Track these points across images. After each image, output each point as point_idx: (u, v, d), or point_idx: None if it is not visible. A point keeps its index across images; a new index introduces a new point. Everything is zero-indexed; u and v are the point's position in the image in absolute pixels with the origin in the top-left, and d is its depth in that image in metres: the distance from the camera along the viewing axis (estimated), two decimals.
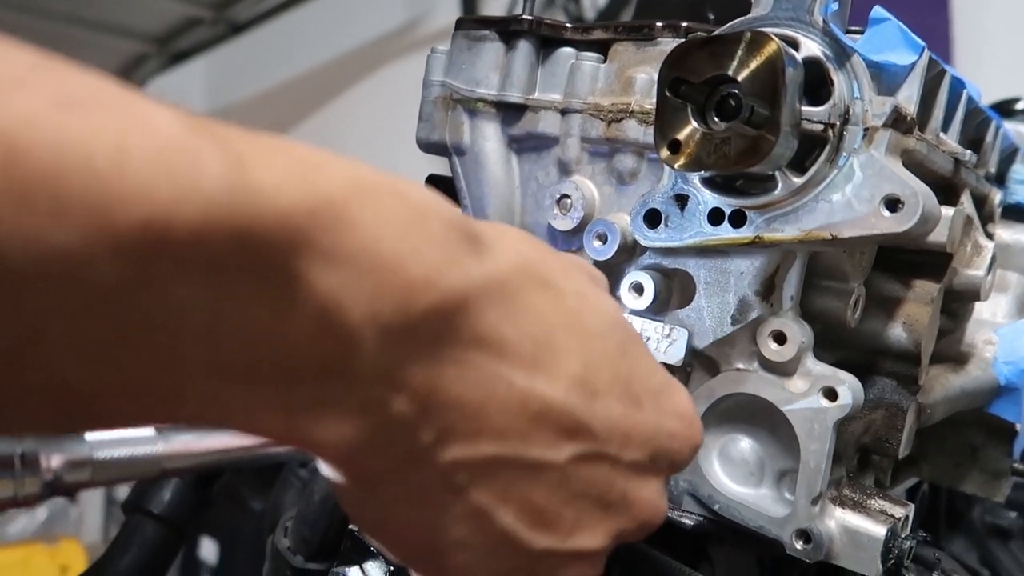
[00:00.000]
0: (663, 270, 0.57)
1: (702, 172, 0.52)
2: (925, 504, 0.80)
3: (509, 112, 0.63)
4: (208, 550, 1.84)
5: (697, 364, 0.58)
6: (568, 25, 0.62)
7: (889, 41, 0.50)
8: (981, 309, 0.73)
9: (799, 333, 0.53)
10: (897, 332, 0.58)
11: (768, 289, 0.54)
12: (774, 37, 0.47)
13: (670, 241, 0.54)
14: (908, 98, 0.51)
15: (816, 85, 0.49)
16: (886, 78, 0.51)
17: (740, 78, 0.47)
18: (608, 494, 0.37)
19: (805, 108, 0.49)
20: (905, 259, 0.60)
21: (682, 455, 0.40)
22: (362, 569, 0.60)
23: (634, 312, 0.57)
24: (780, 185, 0.50)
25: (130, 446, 0.36)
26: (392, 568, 0.59)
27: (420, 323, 0.29)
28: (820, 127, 0.49)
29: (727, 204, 0.52)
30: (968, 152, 0.61)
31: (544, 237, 0.62)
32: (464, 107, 0.64)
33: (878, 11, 0.51)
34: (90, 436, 0.35)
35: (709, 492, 0.56)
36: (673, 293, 0.57)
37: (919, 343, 0.58)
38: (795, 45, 0.49)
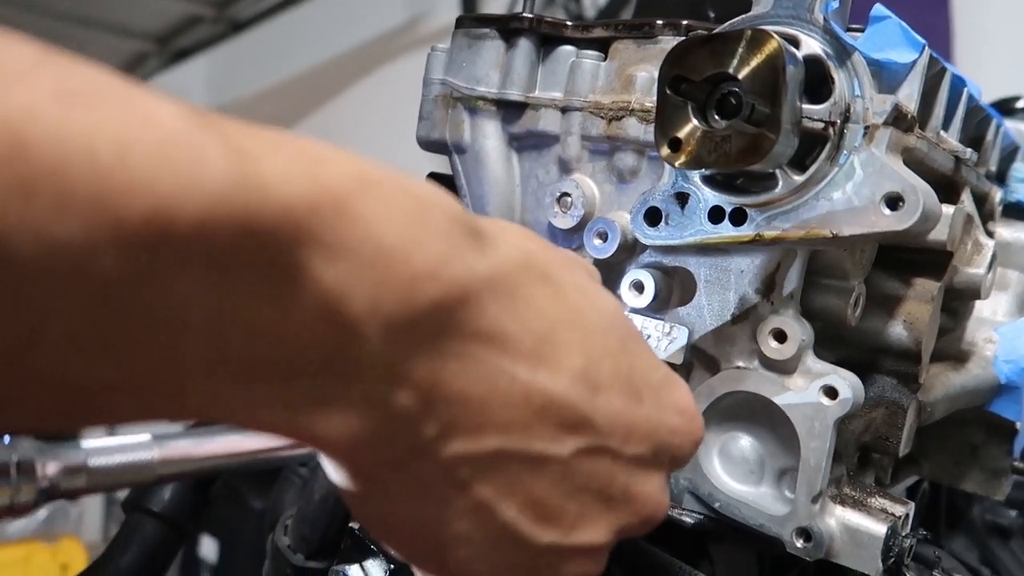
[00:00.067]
0: (663, 268, 0.57)
1: (702, 170, 0.52)
2: (925, 502, 0.80)
3: (509, 110, 0.63)
4: (208, 549, 1.84)
5: (697, 362, 0.58)
6: (568, 23, 0.62)
7: (890, 39, 0.50)
8: (981, 307, 0.73)
9: (799, 331, 0.53)
10: (897, 330, 0.58)
11: (768, 287, 0.54)
12: (775, 35, 0.47)
13: (670, 239, 0.54)
14: (909, 96, 0.51)
15: (817, 83, 0.49)
16: (887, 76, 0.51)
17: (741, 76, 0.47)
18: (610, 488, 0.37)
19: (806, 106, 0.48)
20: (905, 257, 0.60)
21: (683, 450, 0.40)
22: (362, 567, 0.60)
23: (634, 310, 0.57)
24: (781, 183, 0.50)
25: (126, 452, 0.36)
26: (392, 566, 0.59)
27: (423, 316, 0.29)
28: (821, 125, 0.49)
29: (727, 202, 0.52)
30: (969, 150, 0.61)
31: (544, 235, 0.62)
32: (464, 105, 0.64)
33: (879, 9, 0.51)
34: (85, 443, 0.35)
35: (709, 490, 0.56)
36: (673, 291, 0.57)
37: (919, 341, 0.58)
38: (796, 43, 0.49)
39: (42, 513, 2.64)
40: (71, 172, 0.22)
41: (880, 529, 0.53)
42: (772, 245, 0.52)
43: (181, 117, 0.25)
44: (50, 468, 0.33)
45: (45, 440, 0.34)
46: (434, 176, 0.70)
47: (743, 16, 0.52)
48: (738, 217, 0.52)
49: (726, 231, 0.53)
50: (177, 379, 0.26)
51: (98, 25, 4.11)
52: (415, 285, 0.29)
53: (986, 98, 0.69)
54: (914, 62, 0.51)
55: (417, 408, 0.31)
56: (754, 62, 0.47)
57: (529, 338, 0.33)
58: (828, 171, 0.50)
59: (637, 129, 0.58)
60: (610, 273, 0.59)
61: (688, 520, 0.57)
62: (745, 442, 0.56)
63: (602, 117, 0.59)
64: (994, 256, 0.66)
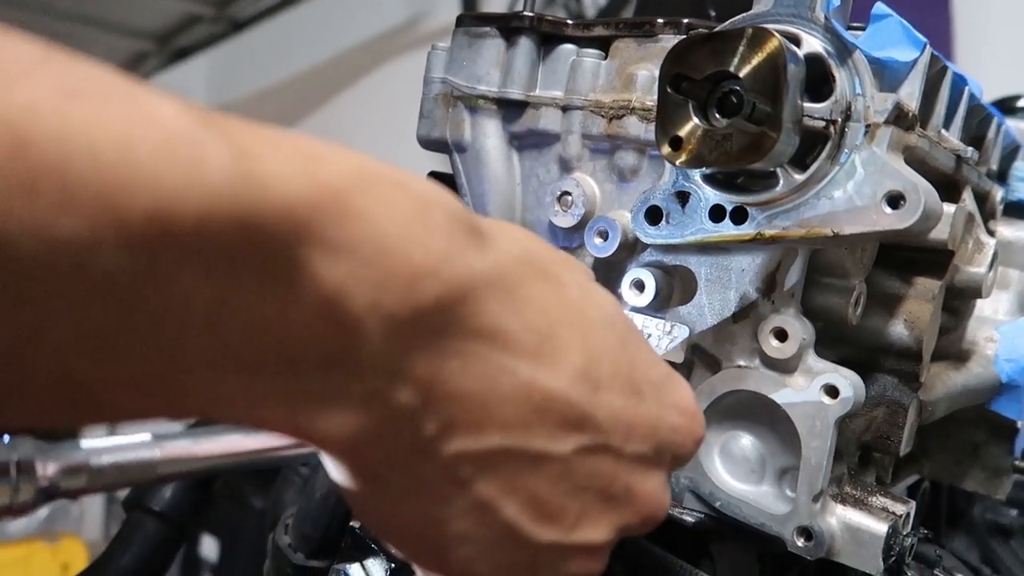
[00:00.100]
0: (664, 267, 0.57)
1: (703, 169, 0.52)
2: (926, 502, 0.80)
3: (510, 109, 0.63)
4: (209, 548, 1.84)
5: (698, 361, 0.58)
6: (569, 22, 0.62)
7: (891, 37, 0.50)
8: (982, 306, 0.73)
9: (800, 330, 0.53)
10: (898, 329, 0.58)
11: (769, 286, 0.54)
12: (776, 33, 0.46)
13: (671, 238, 0.54)
14: (910, 94, 0.51)
15: (818, 82, 0.49)
16: (888, 74, 0.51)
17: (742, 74, 0.47)
18: (611, 487, 0.37)
19: (807, 105, 0.48)
20: (906, 256, 0.60)
21: (685, 449, 0.40)
22: (363, 566, 0.60)
23: (635, 309, 0.57)
24: (781, 182, 0.50)
25: (126, 452, 0.36)
26: (393, 565, 0.59)
27: (423, 314, 0.29)
28: (822, 124, 0.49)
29: (728, 201, 0.52)
30: (970, 149, 0.61)
31: (545, 234, 0.62)
32: (465, 104, 0.64)
33: (880, 7, 0.51)
34: (86, 442, 0.35)
35: (710, 489, 0.56)
36: (674, 290, 0.57)
37: (920, 340, 0.58)
38: (797, 41, 0.49)
39: (43, 512, 2.64)
40: (73, 170, 0.22)
41: (881, 528, 0.53)
42: (773, 244, 0.52)
43: (183, 115, 0.25)
44: (50, 468, 0.33)
45: (45, 440, 0.34)
46: (435, 175, 0.70)
47: (744, 14, 0.52)
48: (739, 216, 0.52)
49: (727, 230, 0.53)
50: (178, 376, 0.26)
51: (98, 24, 4.11)
52: (415, 283, 0.29)
53: (986, 97, 0.69)
54: (915, 60, 0.50)
55: (417, 405, 0.31)
56: (755, 60, 0.47)
57: (530, 336, 0.33)
58: (829, 170, 0.50)
59: (638, 128, 0.58)
60: (610, 272, 0.59)
61: (689, 519, 0.57)
62: (746, 441, 0.56)
63: (603, 116, 0.59)
64: (995, 255, 0.66)
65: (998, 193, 0.73)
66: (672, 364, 0.55)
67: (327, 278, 0.27)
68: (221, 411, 0.28)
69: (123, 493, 0.76)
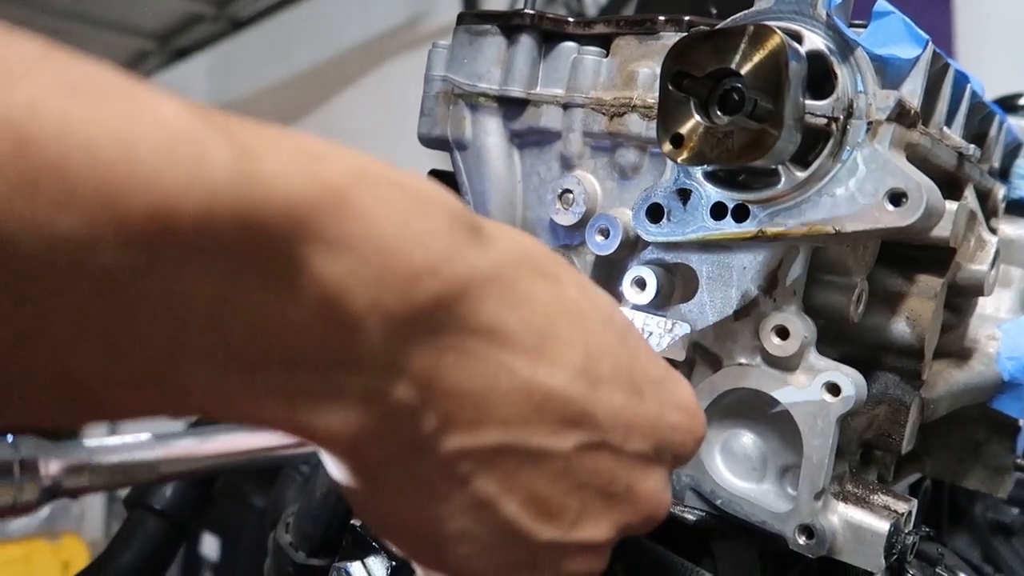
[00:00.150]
0: (665, 265, 0.57)
1: (705, 166, 0.52)
2: (927, 500, 0.80)
3: (511, 107, 0.63)
4: (210, 546, 1.84)
5: (700, 359, 0.58)
6: (570, 19, 0.62)
7: (893, 34, 0.50)
8: (984, 304, 0.73)
9: (802, 328, 0.53)
10: (900, 327, 0.58)
11: (771, 284, 0.54)
12: (777, 30, 0.46)
13: (672, 236, 0.54)
14: (912, 92, 0.51)
15: (819, 79, 0.49)
16: (890, 72, 0.51)
17: (743, 72, 0.47)
18: (612, 485, 0.37)
19: (808, 102, 0.48)
20: (908, 254, 0.60)
21: (686, 447, 0.40)
22: (364, 564, 0.60)
23: (636, 307, 0.57)
24: (783, 179, 0.50)
25: (128, 451, 0.36)
26: (394, 563, 0.59)
27: (422, 312, 0.29)
28: (823, 121, 0.48)
29: (730, 198, 0.52)
30: (972, 146, 0.61)
31: (546, 232, 0.62)
32: (466, 102, 0.64)
33: (882, 4, 0.51)
34: (88, 441, 0.35)
35: (711, 487, 0.56)
36: (675, 288, 0.57)
37: (922, 338, 0.58)
38: (798, 39, 0.49)
39: (44, 511, 2.64)
40: (74, 167, 0.22)
41: (883, 526, 0.53)
42: (775, 241, 0.52)
43: (184, 113, 0.25)
44: (53, 467, 0.33)
45: (48, 439, 0.34)
46: (435, 173, 0.69)
47: (745, 12, 0.52)
48: (740, 213, 0.52)
49: (728, 227, 0.52)
50: (178, 374, 0.26)
51: (99, 23, 4.11)
52: (415, 280, 0.29)
53: (987, 96, 0.69)
54: (917, 58, 0.50)
55: (416, 402, 0.31)
56: (757, 58, 0.46)
57: (529, 333, 0.33)
58: (831, 167, 0.49)
59: (639, 125, 0.58)
60: (611, 270, 0.59)
61: (690, 517, 0.57)
62: (747, 439, 0.56)
63: (604, 113, 0.59)
64: (997, 253, 0.66)
65: (1000, 191, 0.73)
66: (673, 362, 0.55)
67: (327, 276, 0.27)
68: (222, 409, 0.28)
69: (124, 492, 0.76)
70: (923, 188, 0.47)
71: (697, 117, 0.49)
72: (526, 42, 0.62)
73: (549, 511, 0.35)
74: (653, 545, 0.55)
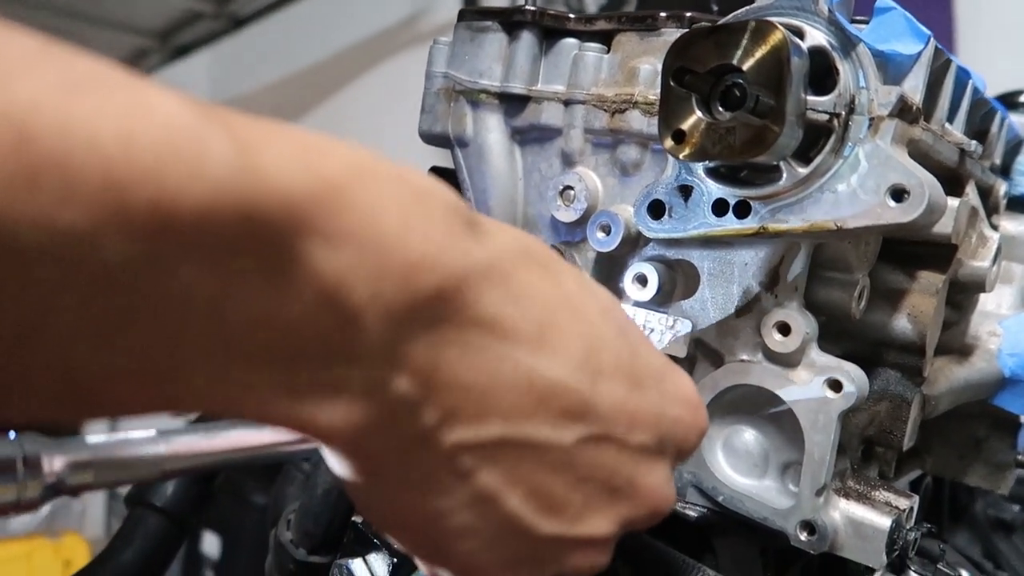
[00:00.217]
0: (667, 261, 0.57)
1: (706, 162, 0.52)
2: (928, 497, 0.80)
3: (512, 103, 0.63)
4: (211, 544, 1.84)
5: (701, 355, 0.58)
6: (571, 16, 0.62)
7: (895, 30, 0.50)
8: (986, 301, 0.73)
9: (803, 324, 0.53)
10: (902, 323, 0.58)
11: (772, 280, 0.54)
12: (779, 26, 0.46)
13: (674, 232, 0.54)
14: (914, 88, 0.51)
15: (821, 75, 0.49)
16: (892, 67, 0.50)
17: (745, 67, 0.47)
18: (615, 478, 0.37)
19: (810, 98, 0.48)
20: (910, 250, 0.60)
21: (688, 441, 0.40)
22: (365, 561, 0.60)
23: (638, 303, 0.57)
24: (785, 175, 0.50)
25: (131, 447, 0.36)
26: (395, 560, 0.59)
27: (422, 304, 0.29)
28: (825, 117, 0.48)
29: (731, 195, 0.52)
30: (973, 143, 0.61)
31: (547, 229, 0.62)
32: (467, 98, 0.64)
33: (883, 0, 0.51)
34: (91, 438, 0.35)
35: (713, 484, 0.56)
36: (677, 284, 0.57)
37: (924, 334, 0.57)
38: (800, 34, 0.49)
39: (45, 509, 2.64)
40: (75, 161, 0.22)
41: (884, 522, 0.53)
42: (776, 238, 0.52)
43: (184, 108, 0.25)
44: (56, 464, 0.33)
45: (50, 436, 0.34)
46: (436, 170, 0.69)
47: (747, 8, 0.52)
48: (742, 210, 0.52)
49: (730, 224, 0.52)
50: (180, 368, 0.26)
51: (99, 21, 4.11)
52: (414, 273, 0.29)
53: (988, 93, 0.68)
54: (919, 53, 0.50)
55: (417, 395, 0.31)
56: (758, 53, 0.46)
57: (529, 325, 0.33)
58: (833, 163, 0.49)
59: (640, 122, 0.58)
60: (613, 267, 0.59)
61: (692, 513, 0.57)
62: (749, 435, 0.56)
63: (605, 110, 0.59)
64: (999, 249, 0.65)
65: (1001, 187, 0.73)
66: (674, 359, 0.55)
67: (327, 270, 0.27)
68: (224, 405, 0.28)
69: (125, 489, 0.76)
70: (925, 184, 0.47)
71: (699, 113, 0.49)
72: (527, 38, 0.62)
73: (552, 505, 0.35)
74: (654, 541, 0.55)
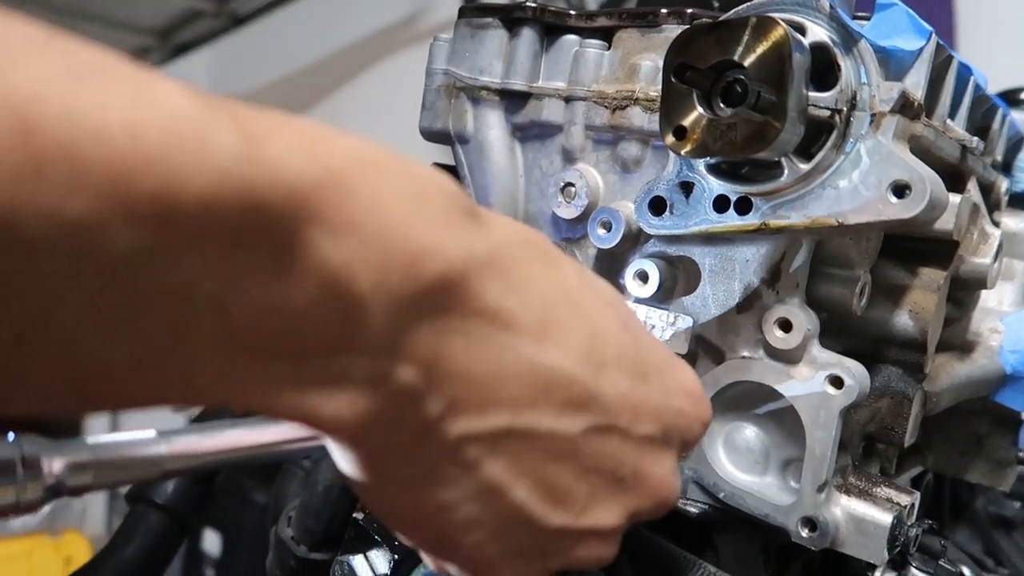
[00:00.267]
0: (668, 258, 0.56)
1: (708, 159, 0.52)
2: (929, 494, 0.80)
3: (513, 100, 0.63)
4: (211, 542, 1.84)
5: (702, 352, 0.58)
6: (572, 12, 0.62)
7: (896, 26, 0.50)
8: (987, 297, 0.73)
9: (805, 320, 0.53)
10: (903, 320, 0.58)
11: (774, 276, 0.54)
12: (781, 22, 0.46)
13: (675, 229, 0.54)
14: (915, 84, 0.51)
15: (823, 71, 0.49)
16: (893, 63, 0.50)
17: (746, 63, 0.47)
18: (620, 469, 0.37)
19: (812, 94, 0.48)
20: (911, 247, 0.60)
21: (692, 432, 0.40)
22: (367, 558, 0.60)
23: (639, 300, 0.56)
24: (786, 172, 0.50)
25: (131, 448, 0.35)
26: (396, 556, 0.59)
27: (426, 293, 0.30)
28: (827, 113, 0.48)
29: (732, 191, 0.52)
30: (975, 139, 0.61)
31: (547, 225, 0.62)
32: (467, 95, 0.64)
33: None
34: (91, 439, 0.34)
35: (714, 480, 0.56)
36: (678, 281, 0.57)
37: (925, 331, 0.57)
38: (802, 30, 0.49)
39: (45, 507, 2.64)
40: (81, 150, 0.22)
41: (886, 518, 0.53)
42: (777, 234, 0.52)
43: (188, 98, 0.25)
44: (56, 465, 0.32)
45: (50, 437, 0.33)
46: (437, 167, 0.69)
47: (748, 3, 0.52)
48: (743, 206, 0.52)
49: (731, 220, 0.52)
50: (186, 358, 0.26)
51: (99, 19, 4.11)
52: (418, 263, 0.29)
53: (989, 90, 0.68)
54: (921, 49, 0.50)
55: (420, 385, 0.31)
56: (760, 49, 0.46)
57: (532, 315, 0.33)
58: (834, 159, 0.49)
59: (641, 118, 0.58)
60: (613, 263, 0.59)
61: (693, 510, 0.57)
62: (750, 432, 0.56)
63: (606, 106, 0.59)
64: (1000, 246, 0.65)
65: (1003, 184, 0.73)
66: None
67: (331, 259, 0.27)
68: (229, 397, 0.28)
69: (126, 488, 0.76)
70: (927, 180, 0.47)
71: (700, 109, 0.49)
72: (528, 35, 0.62)
73: (558, 496, 0.35)
74: (656, 538, 0.55)
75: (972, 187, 0.63)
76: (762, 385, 0.54)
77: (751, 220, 0.52)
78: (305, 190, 0.26)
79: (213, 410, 0.77)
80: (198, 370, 0.27)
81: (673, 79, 0.49)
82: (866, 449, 0.60)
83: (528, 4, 0.62)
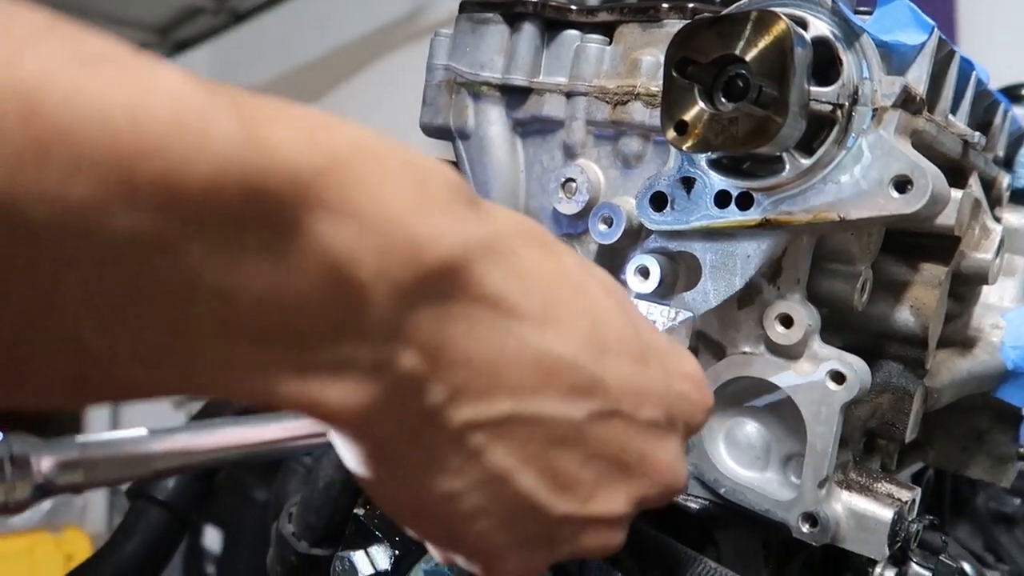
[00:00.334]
0: (669, 253, 0.56)
1: (709, 154, 0.52)
2: (930, 490, 0.80)
3: (514, 95, 0.63)
4: (212, 539, 1.84)
5: (703, 348, 0.57)
6: (573, 7, 0.62)
7: (898, 21, 0.50)
8: (988, 293, 0.73)
9: (806, 316, 0.53)
10: (904, 315, 0.58)
11: (775, 272, 0.54)
12: (782, 16, 0.46)
13: (676, 224, 0.54)
14: (917, 78, 0.50)
15: (825, 65, 0.49)
16: (895, 58, 0.50)
17: (748, 58, 0.46)
18: (626, 454, 0.37)
19: (813, 88, 0.48)
20: (913, 242, 0.60)
21: (695, 417, 0.40)
22: (367, 553, 0.60)
23: (640, 295, 0.56)
24: (788, 167, 0.50)
25: (122, 446, 0.35)
26: (397, 552, 0.59)
27: (428, 279, 0.30)
28: (829, 108, 0.48)
29: (734, 186, 0.52)
30: (977, 134, 0.61)
31: (548, 221, 0.62)
32: (468, 91, 0.64)
33: None
34: (81, 437, 0.34)
35: (715, 476, 0.56)
36: (679, 276, 0.57)
37: (926, 326, 0.57)
38: (804, 25, 0.49)
39: (46, 504, 2.65)
40: (84, 134, 0.22)
41: (887, 514, 0.53)
42: (779, 229, 0.52)
43: (191, 84, 0.25)
44: (45, 463, 0.32)
45: (41, 436, 0.33)
46: None
47: None
48: (745, 201, 0.52)
49: (732, 215, 0.52)
50: (188, 347, 0.26)
51: (99, 16, 4.10)
52: (420, 249, 0.29)
53: (991, 86, 0.68)
54: (923, 44, 0.50)
55: (423, 371, 0.31)
56: (762, 44, 0.46)
57: (533, 301, 0.33)
58: (836, 154, 0.49)
59: (642, 113, 0.58)
60: (614, 259, 0.59)
61: (694, 506, 0.57)
62: (751, 428, 0.56)
63: (607, 102, 0.59)
64: (1002, 241, 0.65)
65: (1004, 180, 0.73)
66: None
67: (333, 245, 0.27)
68: (232, 386, 0.28)
69: (126, 484, 0.76)
70: (928, 174, 0.47)
71: (701, 104, 0.49)
72: (529, 30, 0.62)
73: (564, 483, 0.35)
74: (657, 533, 0.55)
75: (974, 182, 0.63)
76: (763, 380, 0.54)
77: (752, 215, 0.52)
78: (306, 176, 0.26)
79: (213, 409, 0.77)
80: (201, 359, 0.27)
81: (674, 74, 0.49)
82: (867, 445, 0.60)
83: None
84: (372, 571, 0.60)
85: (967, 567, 0.72)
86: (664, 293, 0.56)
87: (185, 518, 0.74)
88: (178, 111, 0.24)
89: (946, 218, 0.56)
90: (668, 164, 0.55)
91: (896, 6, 0.50)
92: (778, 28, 0.46)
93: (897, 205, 0.48)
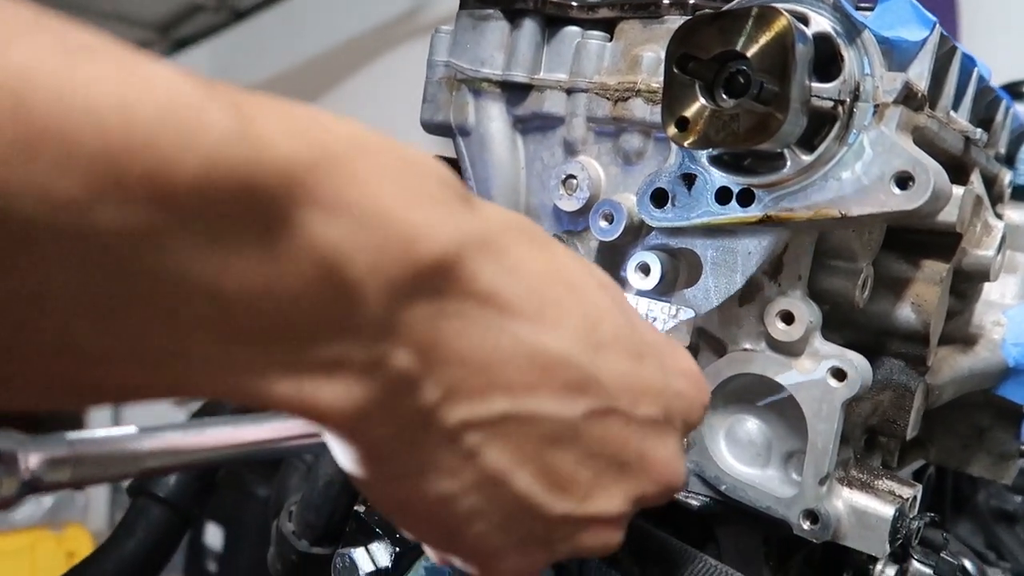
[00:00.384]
0: (670, 250, 0.56)
1: (710, 150, 0.51)
2: (931, 487, 0.80)
3: (514, 92, 0.62)
4: (213, 536, 1.84)
5: (704, 344, 0.57)
6: (574, 3, 0.62)
7: (900, 17, 0.50)
8: (990, 290, 0.72)
9: (807, 313, 0.53)
10: (906, 312, 0.58)
11: (776, 269, 0.54)
12: (784, 12, 0.46)
13: (677, 221, 0.54)
14: (919, 74, 0.50)
15: (826, 61, 0.48)
16: (897, 54, 0.50)
17: (749, 54, 0.46)
18: (623, 452, 0.36)
19: (815, 84, 0.48)
20: (914, 239, 0.60)
21: (693, 414, 0.40)
22: (368, 551, 0.60)
23: (640, 292, 0.56)
24: (789, 163, 0.50)
25: (110, 444, 0.35)
26: (398, 549, 0.59)
27: (422, 276, 0.29)
28: (830, 104, 0.48)
29: (735, 183, 0.52)
30: (979, 131, 0.61)
31: (549, 218, 0.62)
32: (469, 87, 0.64)
33: None
34: (70, 434, 0.34)
35: (716, 473, 0.56)
36: (680, 273, 0.57)
37: (928, 323, 0.57)
38: (805, 20, 0.49)
39: (48, 501, 2.65)
40: (73, 130, 0.22)
41: (888, 511, 0.53)
42: (780, 226, 0.52)
43: (181, 78, 0.25)
44: (32, 460, 0.32)
45: (28, 433, 0.33)
46: (439, 160, 0.69)
47: None
48: (745, 198, 0.52)
49: (733, 212, 0.52)
50: (180, 348, 0.26)
51: (99, 14, 4.10)
52: (413, 245, 0.29)
53: (993, 83, 0.68)
54: (924, 40, 0.50)
55: (417, 370, 0.30)
56: (763, 40, 0.46)
57: (527, 298, 0.33)
58: (837, 151, 0.49)
59: (643, 110, 0.57)
60: (615, 256, 0.59)
61: (694, 503, 0.57)
62: (752, 425, 0.56)
63: (608, 98, 0.59)
64: (1003, 238, 0.65)
65: (1006, 176, 0.72)
66: None
67: (326, 241, 0.27)
68: (225, 386, 0.28)
69: (127, 481, 0.76)
70: (930, 171, 0.47)
71: (702, 100, 0.48)
72: (529, 26, 0.61)
73: (561, 483, 0.35)
74: (657, 531, 0.55)
75: (975, 179, 0.63)
76: (764, 377, 0.54)
77: (753, 212, 0.52)
78: (299, 171, 0.26)
79: (212, 407, 0.77)
80: (194, 360, 0.26)
81: (675, 70, 0.49)
82: (868, 442, 0.60)
83: None
84: (373, 568, 0.60)
85: (968, 564, 0.72)
86: (665, 290, 0.56)
87: (186, 515, 0.74)
88: (168, 106, 0.24)
89: (947, 215, 0.56)
90: (669, 161, 0.55)
91: (898, 2, 0.50)
92: (779, 24, 0.46)
93: (898, 201, 0.48)
